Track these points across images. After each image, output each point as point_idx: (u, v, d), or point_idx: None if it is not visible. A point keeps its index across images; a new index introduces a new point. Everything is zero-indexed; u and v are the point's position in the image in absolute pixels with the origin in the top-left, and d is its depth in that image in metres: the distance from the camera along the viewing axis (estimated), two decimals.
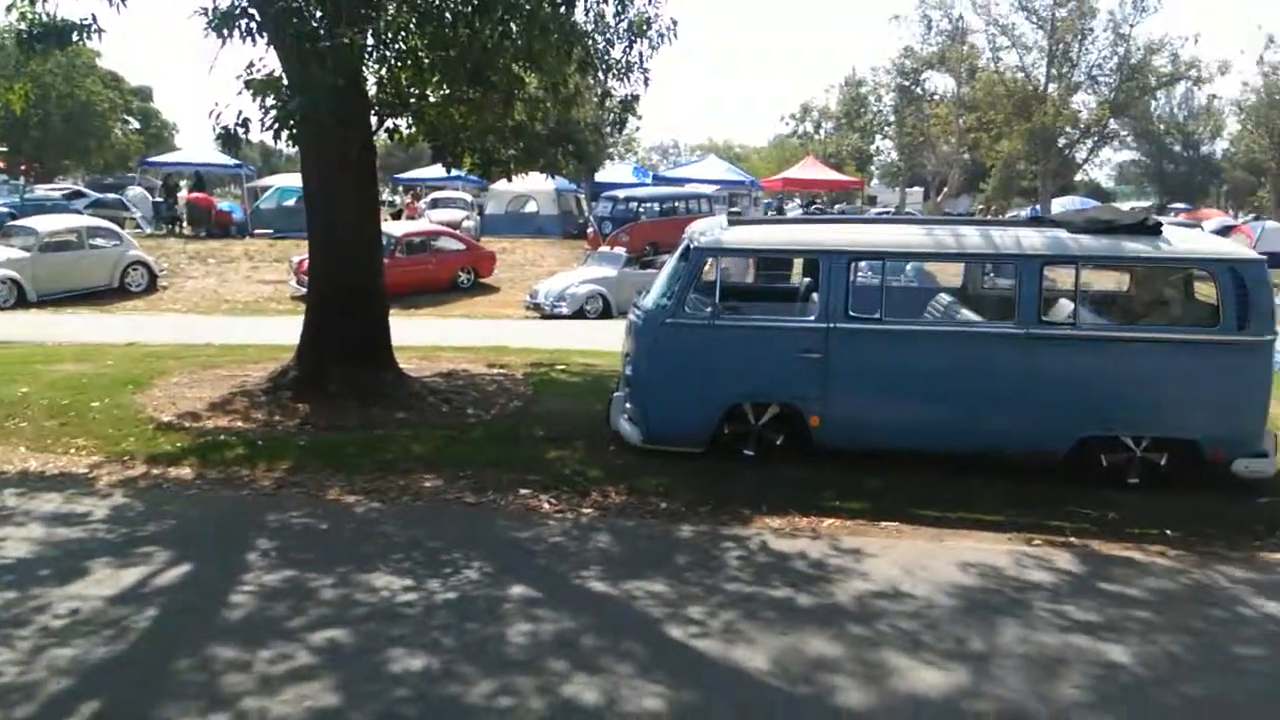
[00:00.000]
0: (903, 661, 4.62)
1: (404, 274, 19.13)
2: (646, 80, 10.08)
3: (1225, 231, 26.42)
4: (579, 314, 18.18)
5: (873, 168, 58.66)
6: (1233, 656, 4.83)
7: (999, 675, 4.52)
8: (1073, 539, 6.39)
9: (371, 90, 9.37)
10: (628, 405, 7.93)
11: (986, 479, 7.32)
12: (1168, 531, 6.51)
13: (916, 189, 52.75)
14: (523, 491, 7.07)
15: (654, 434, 7.70)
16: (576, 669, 4.48)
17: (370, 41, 8.55)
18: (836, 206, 42.38)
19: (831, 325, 7.35)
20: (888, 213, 39.77)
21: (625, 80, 10.11)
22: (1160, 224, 7.68)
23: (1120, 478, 7.25)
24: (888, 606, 5.25)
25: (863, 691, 4.35)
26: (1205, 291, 7.64)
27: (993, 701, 4.30)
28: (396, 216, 30.35)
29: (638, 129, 48.59)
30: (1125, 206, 31.82)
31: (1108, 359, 7.28)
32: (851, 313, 7.37)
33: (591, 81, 10.81)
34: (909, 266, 12.33)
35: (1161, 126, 54.46)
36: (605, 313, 18.12)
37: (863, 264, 8.12)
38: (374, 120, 9.54)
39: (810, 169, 41.37)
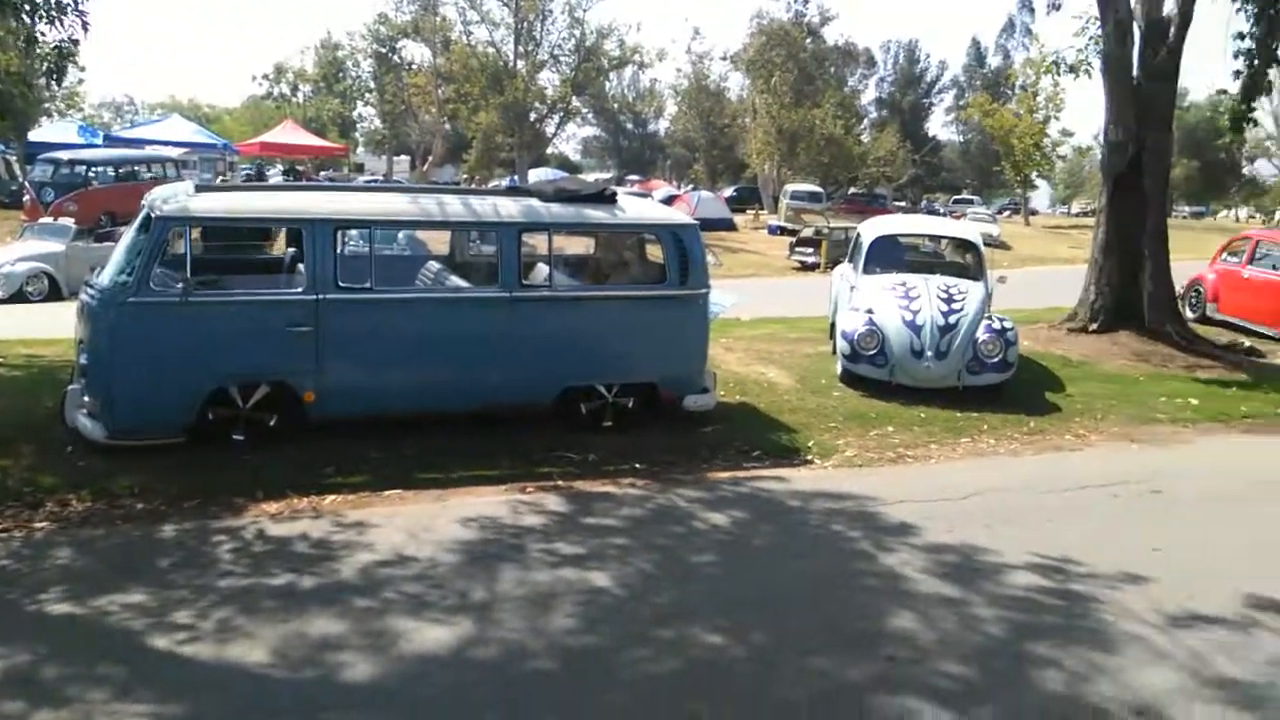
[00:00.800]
0: (409, 624, 4.68)
1: None
2: (85, 25, 8.81)
3: (670, 200, 30.49)
4: (18, 297, 15.74)
5: (357, 134, 57.74)
6: (690, 565, 5.64)
7: (501, 619, 4.79)
8: (560, 482, 6.97)
9: None
10: (86, 398, 6.93)
11: (484, 435, 7.65)
12: (636, 465, 7.38)
13: (403, 157, 52.98)
14: None
15: (122, 428, 6.84)
16: (37, 706, 3.85)
17: None
18: (323, 174, 41.03)
19: (321, 297, 7.11)
20: (376, 180, 39.44)
21: (58, 24, 8.71)
22: (616, 194, 8.60)
23: (597, 422, 8.04)
24: (393, 573, 5.27)
25: (370, 662, 4.33)
26: (655, 253, 8.72)
27: (496, 645, 4.54)
28: None
29: (81, 82, 42.72)
30: (590, 177, 35.12)
31: (580, 316, 7.99)
32: (341, 283, 7.20)
33: (14, 24, 9.14)
34: (401, 235, 12.37)
35: (615, 105, 60.95)
36: (53, 294, 15.97)
37: (351, 233, 7.97)
38: None
39: (290, 133, 39.45)
